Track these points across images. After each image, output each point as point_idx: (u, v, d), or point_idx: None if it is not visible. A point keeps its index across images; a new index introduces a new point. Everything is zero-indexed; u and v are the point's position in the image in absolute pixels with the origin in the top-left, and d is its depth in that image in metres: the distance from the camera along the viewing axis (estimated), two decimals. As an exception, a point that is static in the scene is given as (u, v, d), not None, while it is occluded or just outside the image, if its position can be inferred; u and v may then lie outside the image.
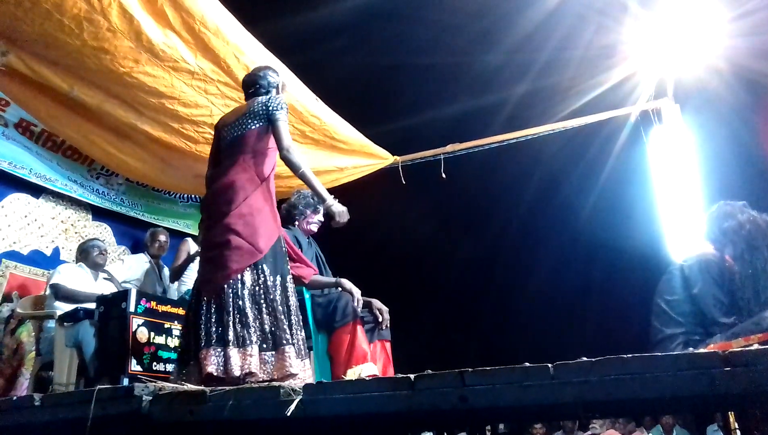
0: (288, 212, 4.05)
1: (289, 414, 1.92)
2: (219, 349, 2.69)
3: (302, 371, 2.74)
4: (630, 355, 1.60)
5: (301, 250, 3.85)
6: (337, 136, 5.02)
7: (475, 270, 8.66)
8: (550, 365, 1.69)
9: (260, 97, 3.11)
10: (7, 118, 4.70)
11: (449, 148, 5.53)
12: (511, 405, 1.74)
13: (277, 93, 3.23)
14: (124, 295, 3.57)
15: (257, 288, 2.82)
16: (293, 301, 2.92)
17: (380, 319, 3.64)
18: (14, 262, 4.78)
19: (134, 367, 3.38)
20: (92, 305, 3.78)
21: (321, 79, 4.90)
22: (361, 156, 5.48)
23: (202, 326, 2.75)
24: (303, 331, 2.92)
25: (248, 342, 2.69)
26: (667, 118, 4.92)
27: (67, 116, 4.37)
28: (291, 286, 2.95)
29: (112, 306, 3.58)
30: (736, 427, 2.79)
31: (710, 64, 4.88)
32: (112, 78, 3.94)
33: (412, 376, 1.87)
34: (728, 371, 1.53)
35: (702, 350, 2.38)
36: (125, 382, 3.26)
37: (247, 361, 2.66)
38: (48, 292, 4.26)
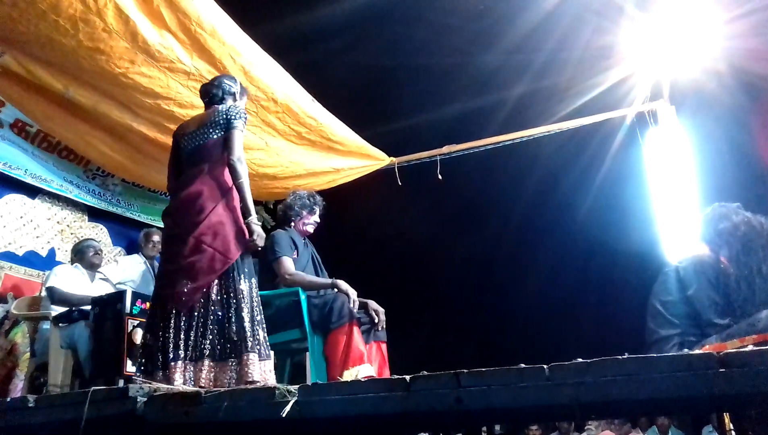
0: (284, 213, 4.05)
1: (284, 415, 1.91)
2: (192, 363, 2.75)
3: (262, 374, 2.77)
4: (625, 356, 1.61)
5: (297, 251, 3.85)
6: (334, 137, 5.01)
7: (472, 271, 8.68)
8: (545, 366, 1.69)
9: (220, 106, 3.15)
10: (3, 118, 4.68)
11: (445, 149, 5.53)
12: (507, 406, 1.74)
13: (234, 100, 3.26)
14: (119, 296, 3.57)
15: (226, 296, 2.86)
16: (257, 302, 2.96)
17: (376, 320, 3.64)
18: (9, 263, 4.76)
19: (129, 368, 3.37)
20: (88, 306, 3.78)
21: (318, 79, 4.90)
22: (357, 157, 5.47)
23: (171, 339, 2.79)
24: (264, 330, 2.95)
25: (215, 353, 2.77)
26: (663, 119, 4.92)
27: (63, 117, 4.35)
28: (256, 290, 3.01)
29: (107, 307, 3.57)
30: (732, 428, 2.79)
31: (707, 65, 4.89)
32: (107, 78, 3.93)
33: (407, 377, 1.87)
34: (724, 372, 1.53)
35: (697, 351, 2.38)
36: (121, 383, 3.25)
37: (211, 372, 2.74)
38: (44, 293, 4.25)
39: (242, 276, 2.91)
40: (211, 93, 3.25)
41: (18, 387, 4.18)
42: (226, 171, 3.03)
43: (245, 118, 3.12)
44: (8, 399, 2.94)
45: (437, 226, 8.16)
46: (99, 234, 5.46)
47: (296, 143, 4.93)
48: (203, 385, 2.68)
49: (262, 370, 2.76)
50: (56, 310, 4.04)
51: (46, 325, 4.09)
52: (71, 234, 5.23)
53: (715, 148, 5.54)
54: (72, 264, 4.51)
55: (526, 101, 6.16)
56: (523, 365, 1.74)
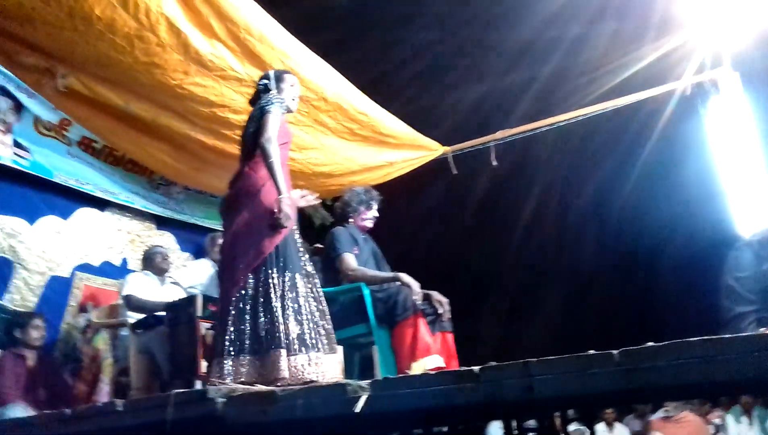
0: (342, 210, 4.09)
1: (357, 411, 1.95)
2: (233, 358, 2.76)
3: (293, 370, 2.71)
4: (697, 338, 1.57)
5: (358, 247, 3.89)
6: (385, 130, 5.03)
7: (535, 257, 8.56)
8: (615, 352, 1.67)
9: (260, 101, 3.17)
10: (71, 137, 4.91)
11: (499, 134, 5.45)
12: (578, 393, 1.73)
13: (278, 90, 3.22)
14: (190, 300, 3.69)
15: (257, 291, 2.85)
16: (298, 295, 2.90)
17: (440, 311, 3.65)
18: (87, 274, 4.99)
19: (205, 369, 3.50)
20: (162, 312, 3.93)
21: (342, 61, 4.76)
22: (410, 149, 5.48)
23: (218, 336, 2.86)
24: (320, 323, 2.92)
25: (251, 349, 2.77)
26: (726, 88, 4.71)
27: (125, 131, 4.53)
28: (301, 283, 2.94)
29: (180, 312, 3.70)
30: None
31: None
32: (164, 91, 4.07)
33: (476, 368, 1.88)
34: (805, 350, 1.48)
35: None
36: (197, 384, 3.37)
37: (249, 367, 2.75)
38: (120, 301, 4.45)
39: (274, 270, 2.88)
40: (256, 90, 3.30)
41: (104, 391, 4.39)
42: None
43: (280, 102, 3.10)
44: (98, 404, 3.11)
45: (498, 212, 8.06)
46: (167, 241, 5.65)
47: (349, 140, 4.97)
48: (244, 380, 2.70)
49: (291, 366, 2.72)
50: (133, 317, 4.23)
51: (125, 332, 4.28)
52: (141, 243, 5.44)
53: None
54: (143, 271, 4.71)
55: (566, 79, 5.99)
56: (592, 351, 1.73)
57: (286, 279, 2.90)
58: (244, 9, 3.78)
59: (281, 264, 2.90)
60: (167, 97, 4.17)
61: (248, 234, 2.93)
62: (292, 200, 3.01)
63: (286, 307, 2.83)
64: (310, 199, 3.46)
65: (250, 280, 2.87)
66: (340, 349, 3.09)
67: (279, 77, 3.29)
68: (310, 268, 3.07)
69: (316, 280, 3.08)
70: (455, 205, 7.52)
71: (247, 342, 2.78)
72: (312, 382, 2.66)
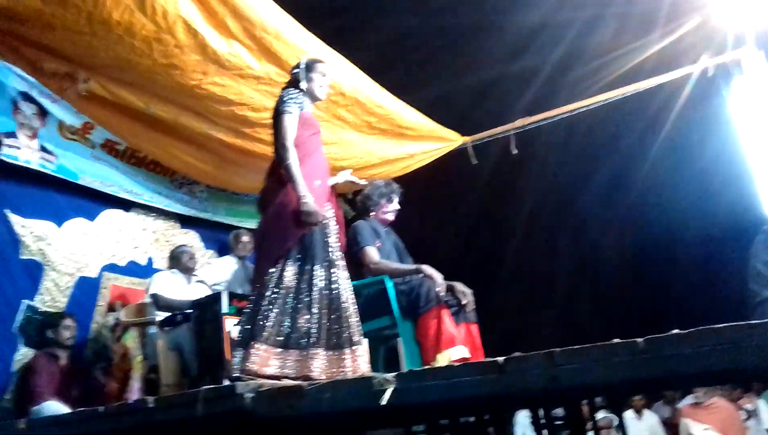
0: (363, 204, 4.11)
1: (383, 403, 1.97)
2: (252, 345, 2.77)
3: (279, 367, 2.74)
4: (723, 325, 1.55)
5: (380, 240, 3.91)
6: (404, 123, 5.03)
7: (557, 246, 8.49)
8: (639, 340, 1.66)
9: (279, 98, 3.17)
10: (94, 140, 4.98)
11: (518, 123, 5.41)
12: (603, 382, 1.73)
13: (308, 82, 3.21)
14: (216, 297, 3.75)
15: (271, 285, 2.88)
16: (311, 288, 2.91)
17: (464, 302, 3.65)
18: (114, 274, 5.08)
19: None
20: (189, 309, 4.00)
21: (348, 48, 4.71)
22: (429, 140, 5.47)
23: (249, 320, 2.88)
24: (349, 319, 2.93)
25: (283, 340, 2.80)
26: (750, 67, 4.62)
27: (147, 132, 4.59)
28: (321, 275, 2.94)
29: (206, 309, 3.76)
30: None
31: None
32: (183, 92, 4.11)
33: (500, 359, 1.88)
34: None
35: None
36: (225, 380, 3.42)
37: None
38: (148, 299, 4.52)
39: (288, 263, 2.91)
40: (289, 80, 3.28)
41: (134, 388, 4.48)
42: None
43: (294, 98, 3.09)
44: (130, 401, 3.17)
45: (519, 202, 7.99)
46: (191, 240, 5.72)
47: (367, 133, 4.98)
48: (250, 369, 2.74)
49: (261, 357, 2.73)
50: (161, 315, 4.30)
51: (153, 329, 4.36)
52: (166, 242, 5.51)
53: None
54: (169, 270, 4.78)
55: (580, 63, 5.89)
56: (617, 340, 1.72)
57: (311, 271, 2.92)
58: (259, 7, 3.80)
59: (298, 256, 2.93)
60: (187, 98, 4.21)
61: (275, 226, 2.99)
62: (321, 193, 3.03)
63: (290, 300, 2.87)
64: (346, 176, 3.43)
65: (274, 274, 2.90)
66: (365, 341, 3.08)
67: (310, 66, 3.27)
68: (339, 259, 3.06)
69: (344, 272, 3.06)
70: (478, 194, 7.47)
71: (264, 333, 2.79)
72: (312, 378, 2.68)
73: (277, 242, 2.95)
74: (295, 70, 3.26)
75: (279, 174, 3.06)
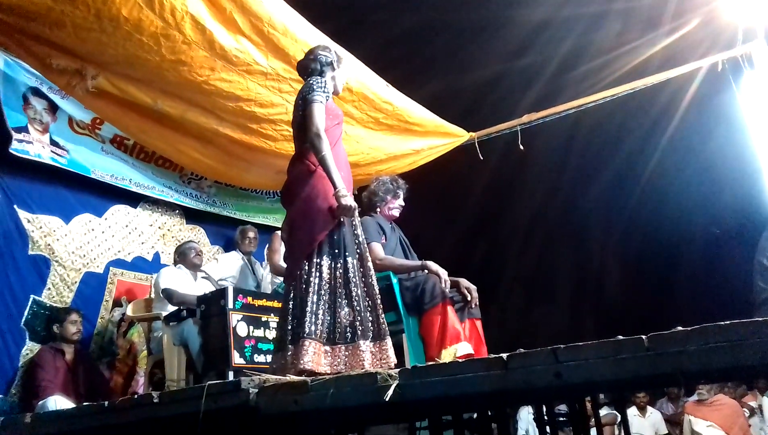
0: (369, 200, 4.12)
1: (387, 399, 1.98)
2: (299, 343, 2.74)
3: (313, 360, 2.69)
4: (728, 322, 1.55)
5: (385, 236, 3.91)
6: (411, 119, 5.03)
7: (562, 243, 8.48)
8: (644, 337, 1.66)
9: (303, 86, 3.11)
10: (103, 135, 5.01)
11: (525, 118, 5.39)
12: (607, 378, 1.72)
13: (333, 70, 3.19)
14: (222, 293, 3.76)
15: (301, 279, 2.86)
16: (347, 280, 2.88)
17: (469, 298, 3.66)
18: (120, 269, 5.11)
19: (237, 360, 3.57)
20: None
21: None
22: (436, 136, 5.47)
23: (288, 319, 2.86)
24: (372, 312, 2.90)
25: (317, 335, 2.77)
26: (760, 62, 4.58)
27: (155, 128, 4.60)
28: (354, 266, 2.91)
29: (212, 304, 3.78)
30: None
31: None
32: (191, 88, 4.12)
33: (504, 355, 1.88)
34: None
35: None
36: (231, 375, 3.44)
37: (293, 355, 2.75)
38: (153, 295, 4.54)
39: (323, 256, 2.87)
40: (310, 67, 3.17)
41: (139, 383, 4.51)
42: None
43: (323, 87, 3.03)
44: (135, 396, 3.19)
45: (523, 198, 7.99)
46: (197, 235, 5.75)
47: (374, 129, 4.99)
48: (275, 368, 2.78)
49: (313, 355, 2.70)
50: (166, 310, 4.32)
51: (159, 325, 4.38)
52: (172, 237, 5.54)
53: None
54: (175, 265, 4.80)
55: (587, 58, 5.87)
56: (620, 337, 1.72)
57: (345, 265, 2.89)
58: (267, 3, 3.81)
59: (327, 249, 2.90)
60: (194, 94, 4.23)
61: (303, 221, 2.95)
62: (346, 184, 2.96)
63: (324, 293, 2.83)
64: None
65: (305, 267, 2.87)
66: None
67: (339, 59, 3.27)
68: (366, 251, 3.04)
69: (370, 263, 3.04)
70: (483, 189, 7.46)
71: (311, 329, 2.76)
72: (338, 373, 2.67)
73: (307, 237, 2.90)
74: (328, 56, 3.19)
75: (305, 165, 2.99)
